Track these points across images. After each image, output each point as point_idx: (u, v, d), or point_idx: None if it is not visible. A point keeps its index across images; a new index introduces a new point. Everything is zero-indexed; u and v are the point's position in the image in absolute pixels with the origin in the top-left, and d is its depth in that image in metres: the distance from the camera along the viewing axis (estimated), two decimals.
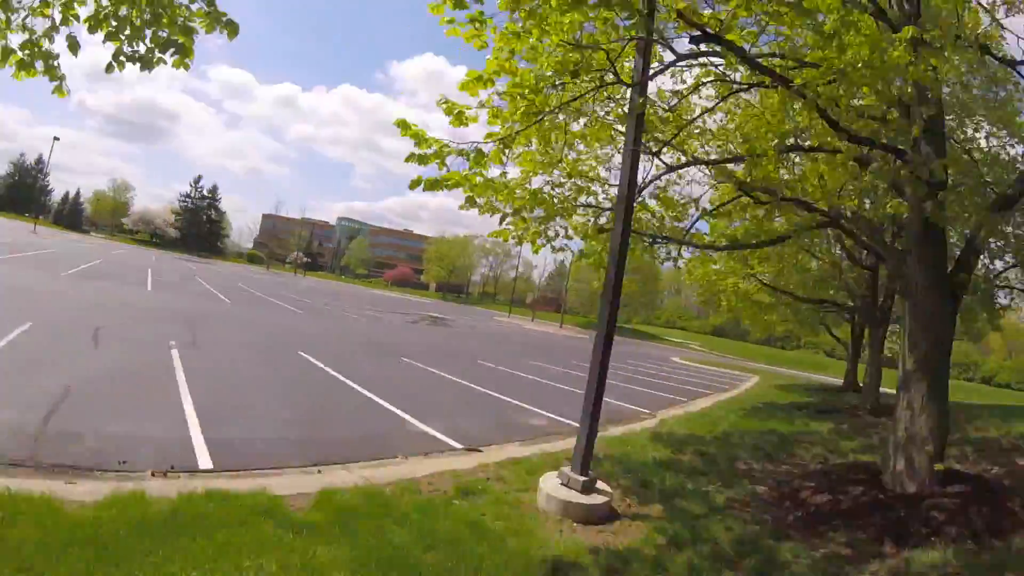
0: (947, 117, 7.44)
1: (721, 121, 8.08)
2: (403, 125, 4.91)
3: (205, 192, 78.18)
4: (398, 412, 7.37)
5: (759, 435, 9.46)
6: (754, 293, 14.34)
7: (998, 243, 9.62)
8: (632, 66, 5.13)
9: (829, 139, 5.53)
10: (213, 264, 57.47)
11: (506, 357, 17.86)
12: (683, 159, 7.16)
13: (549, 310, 70.01)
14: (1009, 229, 9.10)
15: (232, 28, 3.69)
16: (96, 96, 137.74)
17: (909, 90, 5.01)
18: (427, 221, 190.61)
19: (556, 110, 5.34)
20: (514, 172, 6.46)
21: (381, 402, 7.81)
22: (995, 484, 5.71)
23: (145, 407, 5.99)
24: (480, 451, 6.21)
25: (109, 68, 3.77)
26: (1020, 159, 8.62)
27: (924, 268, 5.61)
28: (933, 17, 5.08)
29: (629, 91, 5.09)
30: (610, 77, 5.21)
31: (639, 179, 5.72)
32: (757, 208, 7.75)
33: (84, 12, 3.58)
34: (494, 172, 5.39)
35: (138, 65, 3.66)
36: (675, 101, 6.89)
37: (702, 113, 7.28)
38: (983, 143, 9.17)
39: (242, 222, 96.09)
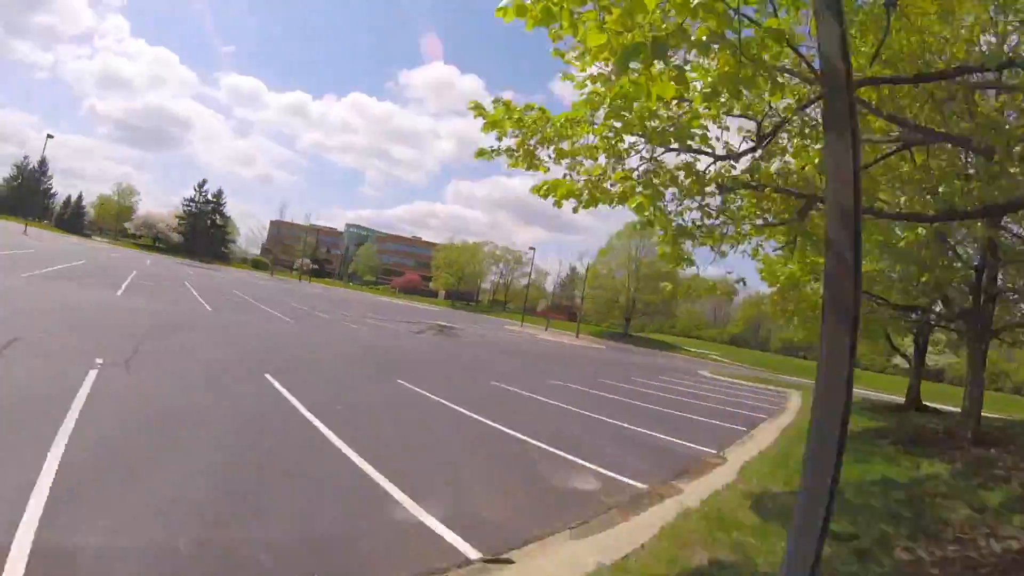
0: None
1: None
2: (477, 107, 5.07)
3: (210, 196, 76.59)
4: (380, 481, 4.83)
5: (875, 488, 7.09)
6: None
7: None
8: None
9: None
10: (214, 269, 55.55)
11: (523, 375, 15.30)
12: None
13: (562, 318, 67.37)
14: None
15: None
16: (106, 102, 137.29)
17: None
18: (436, 229, 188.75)
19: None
20: None
21: (358, 461, 5.28)
22: None
23: None
24: (511, 562, 3.68)
25: None
26: None
27: None
28: None
29: None
30: None
31: None
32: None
33: None
34: None
35: None
36: None
37: None
38: None
39: (251, 228, 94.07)
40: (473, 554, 3.72)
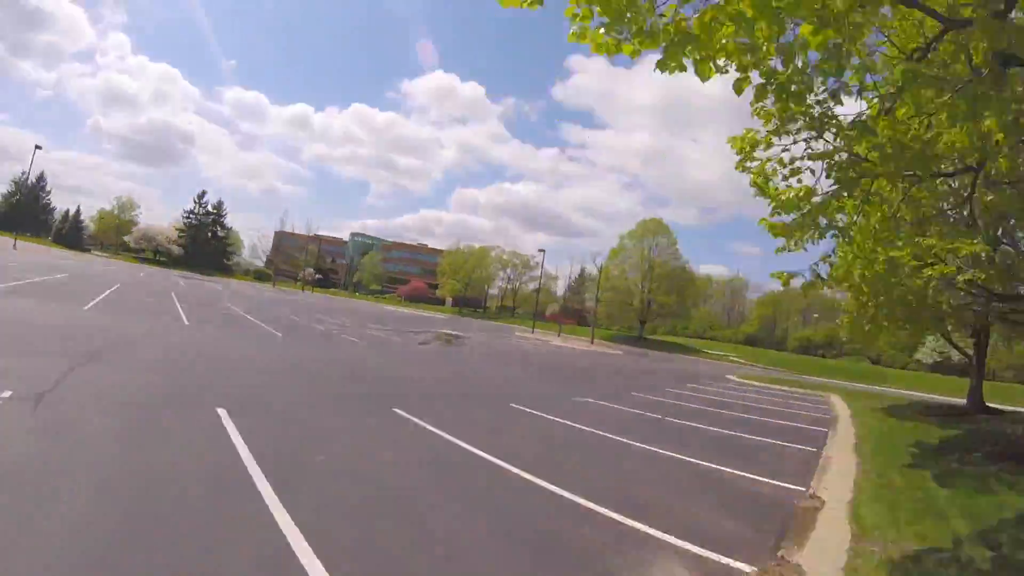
0: None
1: None
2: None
3: (210, 208, 75.11)
4: None
5: (1015, 529, 5.39)
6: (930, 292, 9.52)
7: None
8: None
9: None
10: (212, 281, 53.91)
11: (545, 392, 13.18)
12: None
13: (572, 323, 65.14)
14: None
15: None
16: (110, 119, 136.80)
17: None
18: (441, 236, 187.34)
19: None
20: None
21: (314, 567, 3.21)
22: None
23: None
24: None
25: None
26: None
27: None
28: None
29: None
30: None
31: None
32: None
33: None
34: None
35: None
36: None
37: None
38: None
39: (254, 240, 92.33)
40: None
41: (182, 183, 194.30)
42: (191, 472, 4.51)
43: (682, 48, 3.57)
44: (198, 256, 70.34)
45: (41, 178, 71.79)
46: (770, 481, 6.85)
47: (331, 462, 5.37)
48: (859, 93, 4.36)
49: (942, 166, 6.34)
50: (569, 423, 8.96)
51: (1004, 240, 10.11)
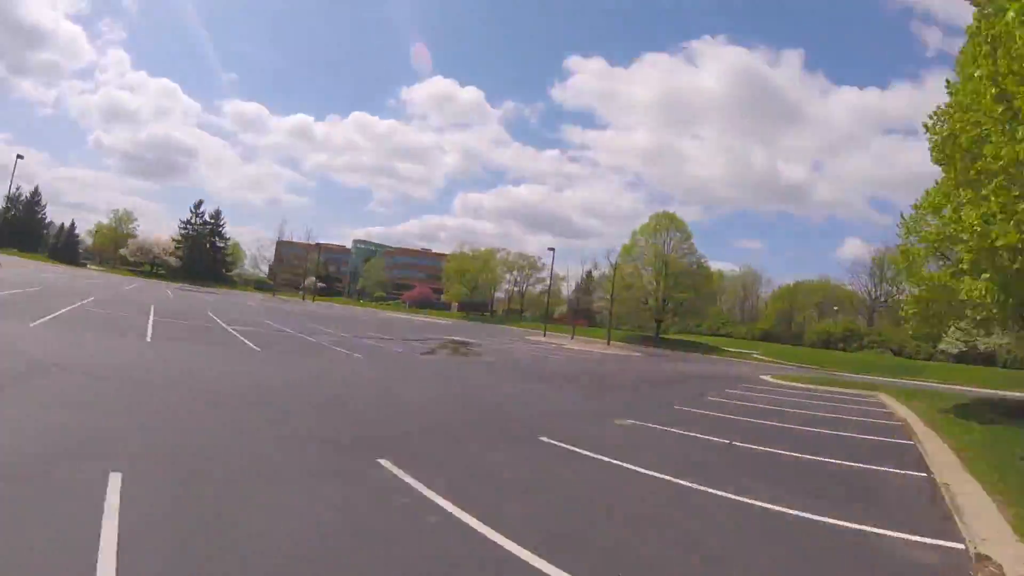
0: None
1: None
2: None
3: (207, 218, 73.15)
4: None
5: None
6: None
7: None
8: None
9: None
10: (206, 292, 51.85)
11: (578, 414, 10.71)
12: None
13: (583, 324, 62.54)
14: None
15: None
16: (112, 135, 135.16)
17: None
18: (445, 241, 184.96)
19: None
20: None
21: None
22: None
23: None
24: None
25: None
26: None
27: None
28: None
29: None
30: None
31: None
32: None
33: None
34: None
35: None
36: None
37: None
38: None
39: (255, 251, 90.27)
40: None
41: (186, 197, 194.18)
42: None
43: None
44: (196, 267, 68.32)
45: (36, 193, 70.11)
46: (912, 538, 4.65)
47: None
48: None
49: None
50: (626, 465, 6.47)
51: None
